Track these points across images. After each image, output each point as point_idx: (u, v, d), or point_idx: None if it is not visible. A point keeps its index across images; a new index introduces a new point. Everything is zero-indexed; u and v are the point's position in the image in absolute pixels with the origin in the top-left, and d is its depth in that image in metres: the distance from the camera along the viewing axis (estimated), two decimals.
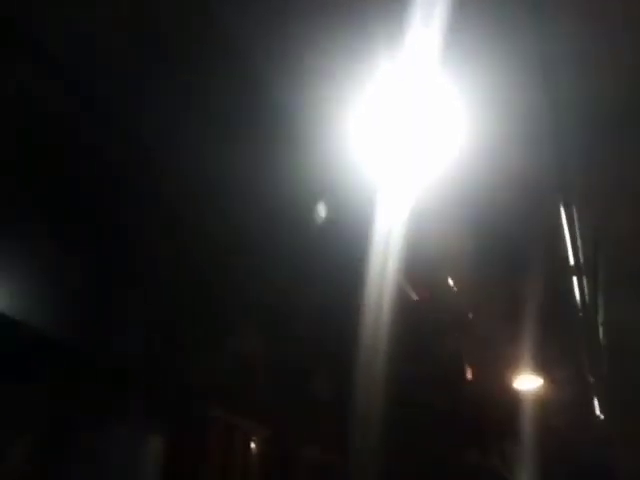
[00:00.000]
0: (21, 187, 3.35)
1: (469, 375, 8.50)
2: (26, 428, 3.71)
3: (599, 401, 10.33)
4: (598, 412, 10.60)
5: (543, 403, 9.26)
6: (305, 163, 3.99)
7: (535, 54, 3.64)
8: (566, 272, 6.54)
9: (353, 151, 4.06)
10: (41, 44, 3.17)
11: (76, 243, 3.72)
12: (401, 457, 10.00)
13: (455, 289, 6.04)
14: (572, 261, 6.51)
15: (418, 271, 5.43)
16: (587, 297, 7.18)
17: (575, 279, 6.86)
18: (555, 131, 4.30)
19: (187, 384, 6.19)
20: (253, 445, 7.54)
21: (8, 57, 3.01)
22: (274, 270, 5.76)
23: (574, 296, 6.98)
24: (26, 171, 3.40)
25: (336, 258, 5.05)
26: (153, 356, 5.73)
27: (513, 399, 8.99)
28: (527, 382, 8.39)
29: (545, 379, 8.33)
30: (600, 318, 7.56)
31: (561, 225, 5.84)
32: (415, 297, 5.90)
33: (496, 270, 5.97)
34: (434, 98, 3.73)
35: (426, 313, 6.41)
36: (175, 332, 6.03)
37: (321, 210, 4.81)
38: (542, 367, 8.25)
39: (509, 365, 8.10)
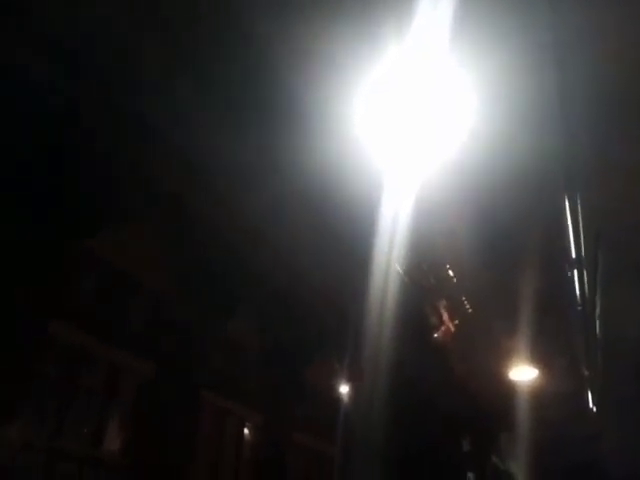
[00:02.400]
0: None
1: (465, 365, 8.52)
2: None
3: (592, 394, 10.37)
4: (591, 405, 10.65)
5: (538, 394, 9.29)
6: (311, 147, 3.95)
7: (545, 37, 3.59)
8: (567, 264, 6.52)
9: (359, 135, 4.00)
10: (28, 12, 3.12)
11: None
12: (395, 445, 10.07)
13: (455, 277, 6.02)
14: (574, 253, 6.49)
15: (419, 254, 5.42)
16: (587, 290, 7.17)
17: (576, 271, 6.84)
18: (561, 117, 4.25)
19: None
20: (246, 430, 7.61)
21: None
22: (275, 254, 5.73)
23: (574, 288, 6.97)
24: None
25: (340, 242, 5.03)
26: None
27: (508, 390, 9.03)
28: (522, 373, 8.41)
29: (540, 370, 8.35)
30: (597, 311, 7.56)
31: (564, 216, 5.81)
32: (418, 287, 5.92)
33: (496, 259, 5.95)
34: (441, 82, 3.67)
35: (425, 301, 6.40)
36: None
37: None
38: (538, 359, 8.27)
39: (505, 356, 8.12)
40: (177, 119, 3.63)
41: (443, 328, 7.42)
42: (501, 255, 5.92)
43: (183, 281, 5.91)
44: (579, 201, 5.69)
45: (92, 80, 3.39)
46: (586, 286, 7.04)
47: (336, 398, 8.70)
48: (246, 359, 7.39)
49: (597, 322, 8.00)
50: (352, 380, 8.45)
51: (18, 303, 4.28)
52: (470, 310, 6.69)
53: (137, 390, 5.80)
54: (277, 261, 5.63)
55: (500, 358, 8.13)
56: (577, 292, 7.08)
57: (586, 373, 9.49)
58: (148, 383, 5.79)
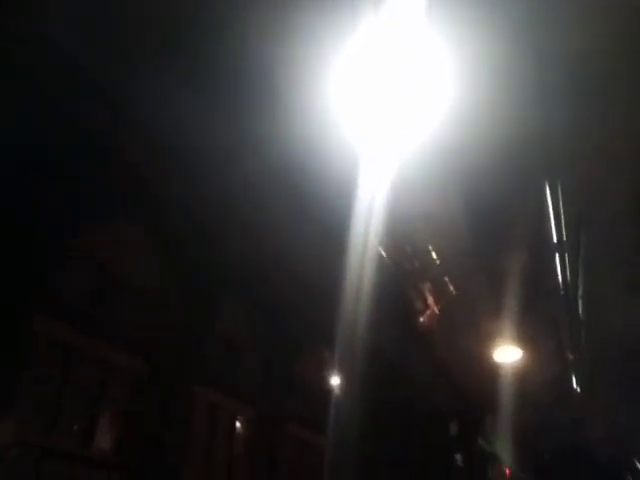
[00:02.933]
0: None
1: (450, 348, 8.61)
2: None
3: (577, 377, 10.51)
4: (576, 387, 10.79)
5: (522, 377, 9.41)
6: (285, 124, 3.89)
7: (523, 13, 3.55)
8: (549, 247, 6.58)
9: (335, 111, 3.92)
10: None
11: None
12: (381, 431, 10.19)
13: (438, 260, 6.05)
14: (555, 237, 6.54)
15: (400, 237, 5.40)
16: (569, 274, 7.24)
17: (557, 255, 6.91)
18: (541, 98, 4.24)
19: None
20: (238, 424, 7.67)
21: None
22: (254, 240, 5.70)
23: (556, 271, 7.04)
24: None
25: (317, 224, 5.00)
26: None
27: (493, 372, 9.13)
28: (507, 354, 8.50)
29: (525, 352, 8.45)
30: (580, 293, 7.64)
31: (545, 200, 5.86)
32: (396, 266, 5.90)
33: (478, 240, 5.98)
34: (419, 56, 3.57)
35: (409, 285, 6.43)
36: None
37: None
38: (522, 340, 8.36)
39: (490, 337, 8.21)
40: (150, 100, 3.59)
41: (428, 312, 7.48)
42: (484, 238, 5.96)
43: (171, 278, 5.91)
44: (560, 185, 5.74)
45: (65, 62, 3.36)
46: (568, 270, 7.11)
47: (326, 389, 8.80)
48: (236, 354, 7.43)
49: (580, 305, 8.09)
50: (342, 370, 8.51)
51: (8, 302, 4.29)
52: (454, 292, 6.74)
53: (129, 387, 5.83)
54: (258, 248, 5.63)
55: (484, 340, 8.22)
56: (559, 276, 7.16)
57: (570, 356, 9.61)
58: (139, 380, 5.82)
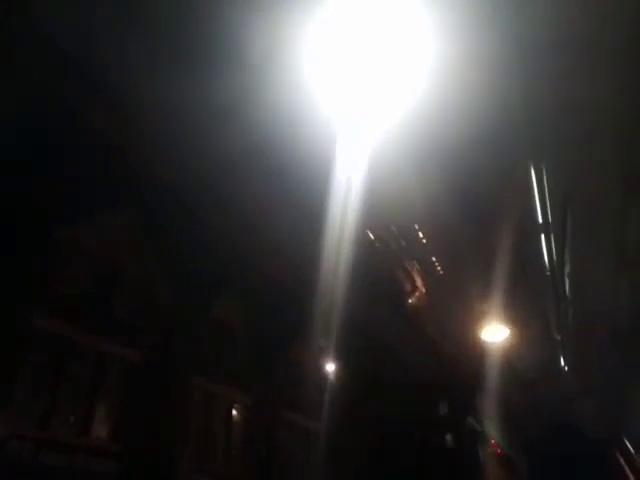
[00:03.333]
0: None
1: (438, 328, 8.71)
2: None
3: (565, 356, 10.64)
4: (564, 366, 10.93)
5: (510, 356, 9.52)
6: (262, 98, 3.83)
7: None
8: (534, 228, 6.63)
9: (312, 86, 3.85)
10: None
11: None
12: (374, 414, 10.31)
13: (424, 239, 6.09)
14: (540, 218, 6.59)
15: (381, 216, 5.39)
16: (555, 254, 7.30)
17: (543, 236, 6.96)
18: (525, 75, 4.20)
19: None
20: (235, 412, 7.74)
21: None
22: (245, 227, 5.66)
23: (542, 252, 7.10)
24: None
25: (299, 205, 4.96)
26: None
27: (482, 351, 9.24)
28: (494, 333, 8.59)
29: (512, 330, 8.54)
30: (567, 272, 7.70)
31: (530, 179, 5.88)
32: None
33: (464, 221, 6.01)
34: (399, 30, 3.47)
35: (390, 261, 6.46)
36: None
37: None
38: (509, 319, 8.45)
39: (477, 317, 8.29)
40: (128, 73, 3.55)
41: (416, 292, 7.55)
42: (470, 218, 5.99)
43: (165, 266, 5.92)
44: (544, 166, 5.76)
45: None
46: (554, 250, 7.16)
47: (320, 375, 8.90)
48: (232, 342, 7.48)
49: (567, 285, 8.16)
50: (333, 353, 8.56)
51: (1, 296, 4.30)
52: (441, 272, 6.80)
53: (125, 377, 5.87)
54: (242, 230, 5.61)
55: (472, 319, 8.30)
56: (545, 256, 7.22)
57: (558, 336, 9.72)
58: (136, 369, 5.87)
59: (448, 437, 12.72)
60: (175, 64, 3.62)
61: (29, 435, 4.77)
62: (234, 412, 7.73)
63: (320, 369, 9.05)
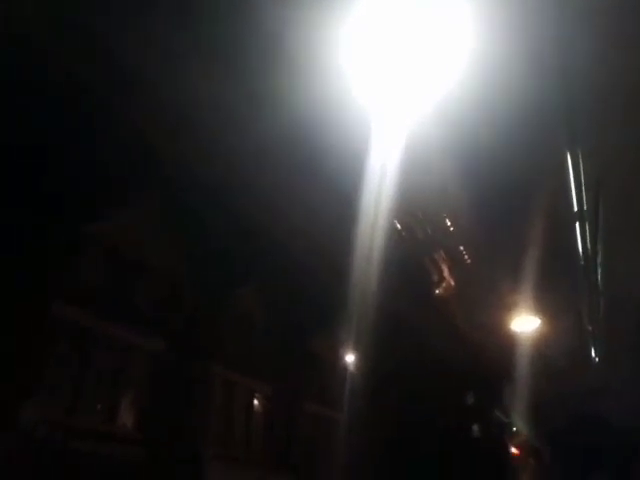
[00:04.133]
0: None
1: (467, 315, 8.59)
2: None
3: (595, 346, 10.45)
4: (594, 357, 10.74)
5: (540, 346, 9.38)
6: (296, 86, 3.78)
7: None
8: (569, 216, 6.46)
9: (348, 72, 3.78)
10: None
11: None
12: (397, 401, 10.28)
13: (452, 227, 5.98)
14: (575, 206, 6.41)
15: (413, 203, 5.30)
16: (589, 243, 7.12)
17: (577, 224, 6.78)
18: (562, 60, 4.08)
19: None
20: (256, 401, 7.77)
21: None
22: (269, 211, 5.64)
23: (576, 240, 6.93)
24: None
25: (332, 192, 4.91)
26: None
27: (511, 342, 9.12)
28: (524, 324, 8.45)
29: (542, 320, 8.39)
30: (599, 261, 7.52)
31: (566, 167, 5.72)
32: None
33: (497, 209, 5.89)
34: (437, 14, 3.41)
35: (424, 255, 6.37)
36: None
37: None
38: (540, 309, 8.30)
39: (507, 307, 8.16)
40: (161, 66, 3.53)
41: (444, 284, 7.44)
42: (502, 204, 5.85)
43: (188, 258, 5.94)
44: (580, 153, 5.59)
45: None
46: (588, 239, 6.99)
47: (342, 363, 8.88)
48: (253, 332, 7.49)
49: (599, 275, 7.97)
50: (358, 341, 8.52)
51: (28, 288, 4.37)
52: (469, 261, 6.68)
53: (149, 366, 5.94)
54: (272, 218, 5.59)
55: (502, 309, 8.17)
56: (579, 245, 7.04)
57: (589, 327, 9.54)
58: (159, 359, 5.93)
59: (474, 427, 12.65)
60: (210, 52, 3.58)
61: (58, 421, 4.86)
62: (255, 401, 7.79)
63: (342, 358, 9.01)
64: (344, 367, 8.98)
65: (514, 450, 13.64)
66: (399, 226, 5.62)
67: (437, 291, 7.08)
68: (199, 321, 6.41)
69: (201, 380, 6.39)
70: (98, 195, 4.77)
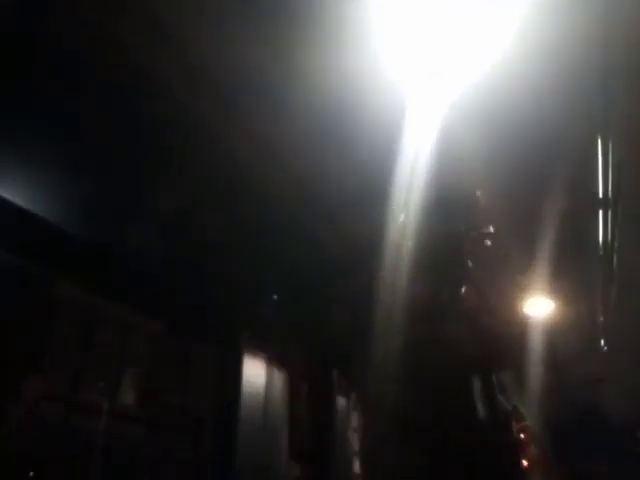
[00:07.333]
0: None
1: (479, 295, 8.65)
2: None
3: (605, 334, 10.52)
4: (602, 344, 10.81)
5: (550, 332, 9.46)
6: (328, 66, 3.79)
7: None
8: (592, 201, 6.51)
9: (382, 49, 3.80)
10: None
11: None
12: (406, 384, 10.34)
13: (479, 204, 6.04)
14: (601, 193, 6.44)
15: (446, 180, 5.33)
16: (609, 230, 7.16)
17: (601, 211, 6.82)
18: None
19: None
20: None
21: None
22: (298, 189, 5.64)
23: (597, 227, 6.98)
24: None
25: (363, 170, 4.95)
26: None
27: (521, 326, 9.18)
28: (537, 307, 8.51)
29: (555, 306, 8.45)
30: (616, 252, 7.57)
31: (596, 153, 5.77)
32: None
33: (520, 188, 5.95)
34: None
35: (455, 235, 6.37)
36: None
37: None
38: (553, 294, 8.35)
39: (520, 288, 8.22)
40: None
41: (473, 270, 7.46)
42: (525, 185, 5.91)
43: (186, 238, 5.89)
44: (611, 140, 5.62)
45: None
46: (609, 226, 7.03)
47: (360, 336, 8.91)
48: (260, 307, 7.46)
49: (614, 263, 8.01)
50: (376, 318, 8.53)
51: (29, 266, 4.37)
52: (490, 243, 6.75)
53: (148, 345, 6.01)
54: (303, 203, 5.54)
55: (515, 291, 8.24)
56: (600, 232, 7.10)
57: (601, 315, 9.60)
58: (160, 338, 6.00)
59: (478, 411, 12.75)
60: (243, 28, 3.59)
61: (60, 397, 4.85)
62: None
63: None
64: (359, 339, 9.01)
65: (519, 435, 13.79)
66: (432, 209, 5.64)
67: (467, 276, 7.10)
68: (203, 298, 6.35)
69: (200, 359, 6.43)
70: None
